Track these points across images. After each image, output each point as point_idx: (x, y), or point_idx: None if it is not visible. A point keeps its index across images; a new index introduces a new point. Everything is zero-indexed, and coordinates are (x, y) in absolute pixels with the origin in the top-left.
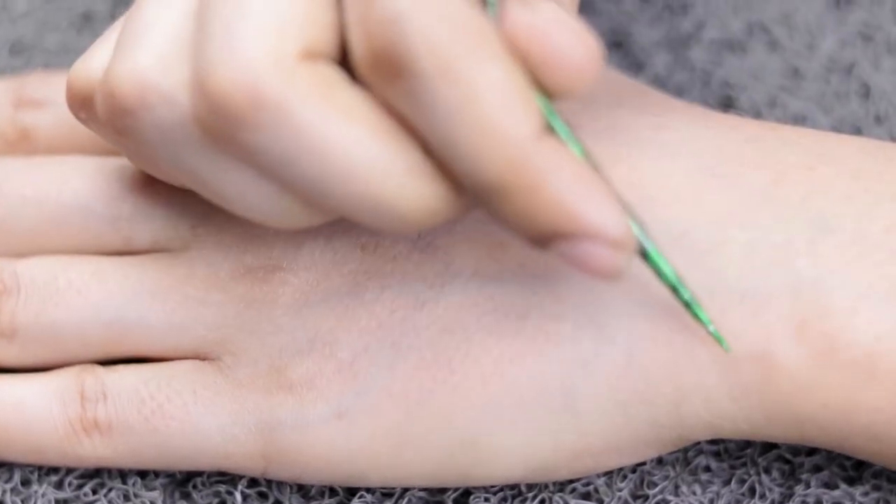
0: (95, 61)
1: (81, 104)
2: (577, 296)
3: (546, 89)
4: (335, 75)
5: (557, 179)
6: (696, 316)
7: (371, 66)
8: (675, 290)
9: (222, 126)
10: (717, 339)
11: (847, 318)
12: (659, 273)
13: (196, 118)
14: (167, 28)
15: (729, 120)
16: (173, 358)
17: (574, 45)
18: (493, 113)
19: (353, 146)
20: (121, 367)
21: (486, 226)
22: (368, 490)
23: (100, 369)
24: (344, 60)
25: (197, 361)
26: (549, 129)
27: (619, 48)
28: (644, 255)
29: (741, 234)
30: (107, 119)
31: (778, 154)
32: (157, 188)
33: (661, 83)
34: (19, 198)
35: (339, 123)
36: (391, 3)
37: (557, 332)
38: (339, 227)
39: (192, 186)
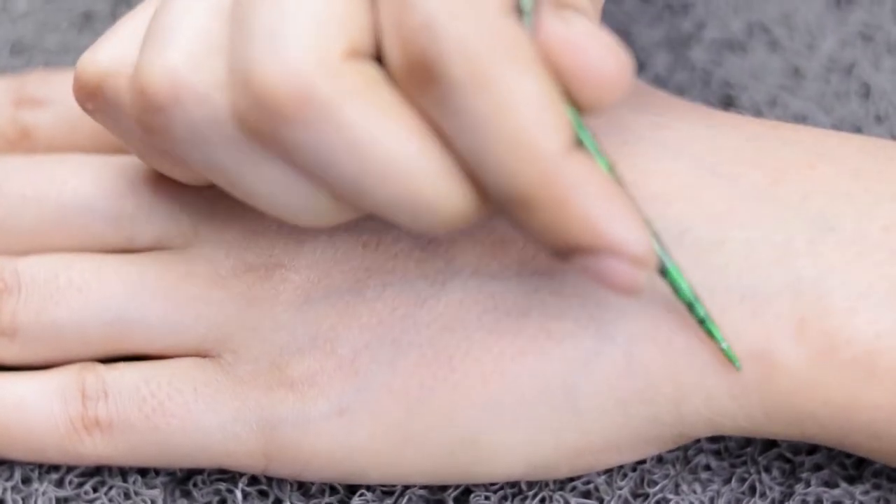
0: (103, 53)
1: (89, 95)
2: (578, 294)
3: (576, 102)
4: (378, 75)
5: (584, 195)
6: (710, 333)
7: (405, 72)
8: (691, 307)
9: (266, 123)
10: (731, 358)
11: (847, 317)
12: (676, 289)
13: (237, 116)
14: (197, 25)
15: (729, 118)
16: (174, 356)
17: (606, 59)
18: (525, 125)
19: (395, 145)
20: (122, 365)
21: (487, 223)
22: (369, 488)
23: (101, 367)
24: (379, 61)
25: (198, 359)
26: (578, 142)
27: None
28: (662, 271)
29: (741, 233)
30: (137, 116)
31: (778, 153)
32: (159, 186)
33: (661, 83)
34: (20, 197)
35: (382, 122)
36: (425, 9)
37: (558, 330)
38: (341, 225)
39: (220, 183)
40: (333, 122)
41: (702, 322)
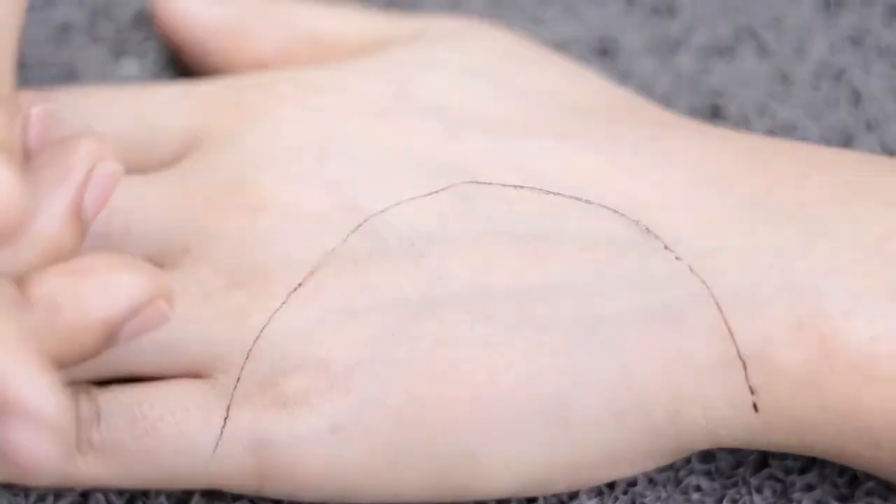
0: None
1: None
2: (571, 305)
3: None
4: None
5: None
6: None
7: None
8: None
9: None
10: None
11: (844, 321)
12: None
13: None
14: None
15: (722, 132)
16: (166, 376)
17: None
18: None
19: None
20: (114, 387)
21: (479, 236)
22: None
23: (93, 389)
24: None
25: (190, 380)
26: None
27: (605, 55)
28: None
29: (736, 241)
30: None
31: (772, 164)
32: (149, 204)
33: (647, 90)
34: None
35: None
36: None
37: (551, 343)
38: (332, 242)
39: None
40: None
41: None
